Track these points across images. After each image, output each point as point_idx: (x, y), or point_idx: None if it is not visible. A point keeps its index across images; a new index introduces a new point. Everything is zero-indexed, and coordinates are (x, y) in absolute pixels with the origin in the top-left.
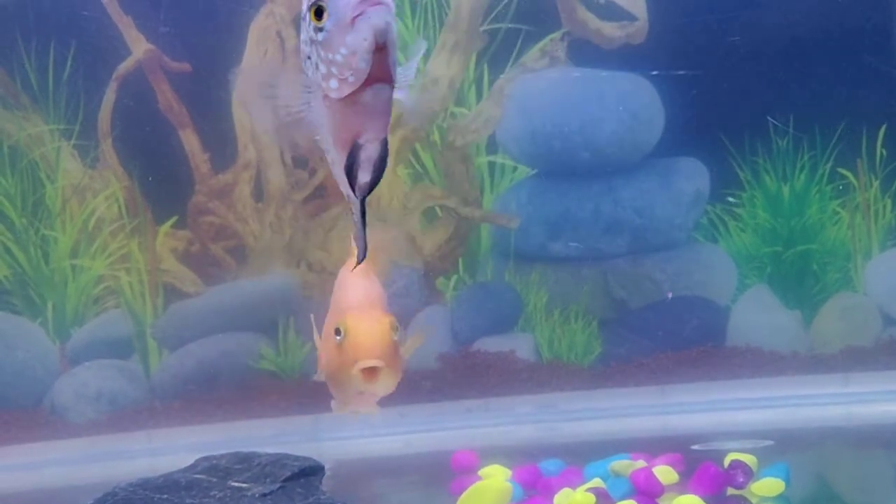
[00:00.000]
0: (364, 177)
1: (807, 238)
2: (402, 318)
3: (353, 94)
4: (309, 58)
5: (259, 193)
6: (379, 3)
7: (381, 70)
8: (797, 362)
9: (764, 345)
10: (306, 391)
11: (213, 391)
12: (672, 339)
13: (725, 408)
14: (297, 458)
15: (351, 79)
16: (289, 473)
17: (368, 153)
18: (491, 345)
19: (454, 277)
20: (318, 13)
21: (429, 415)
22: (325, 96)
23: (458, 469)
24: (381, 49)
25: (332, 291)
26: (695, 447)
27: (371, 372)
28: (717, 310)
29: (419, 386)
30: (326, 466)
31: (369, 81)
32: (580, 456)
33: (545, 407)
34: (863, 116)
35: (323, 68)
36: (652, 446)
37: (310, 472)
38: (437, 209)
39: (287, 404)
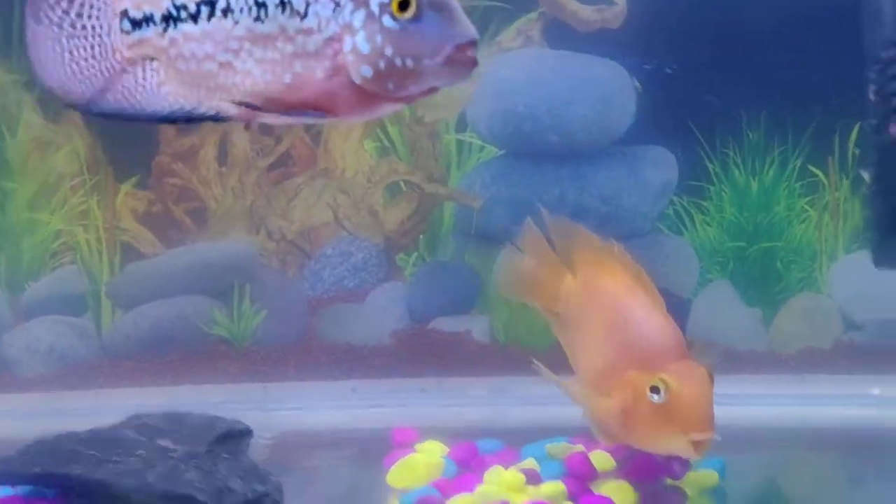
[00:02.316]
0: None
1: (772, 235)
2: (360, 293)
3: (375, 95)
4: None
5: (223, 157)
6: (474, 64)
7: (420, 97)
8: (754, 361)
9: (722, 341)
10: (257, 359)
11: (165, 354)
12: None
13: None
14: (226, 421)
15: (391, 87)
16: (216, 436)
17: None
18: (447, 325)
19: (414, 254)
20: (403, 5)
21: (381, 392)
22: (333, 69)
23: (397, 444)
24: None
25: (599, 315)
26: None
27: (702, 443)
28: (678, 303)
29: (372, 362)
30: (269, 436)
31: (403, 100)
32: (528, 439)
33: (498, 390)
34: (837, 114)
35: (363, 47)
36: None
37: (237, 435)
38: (402, 184)
39: (237, 371)
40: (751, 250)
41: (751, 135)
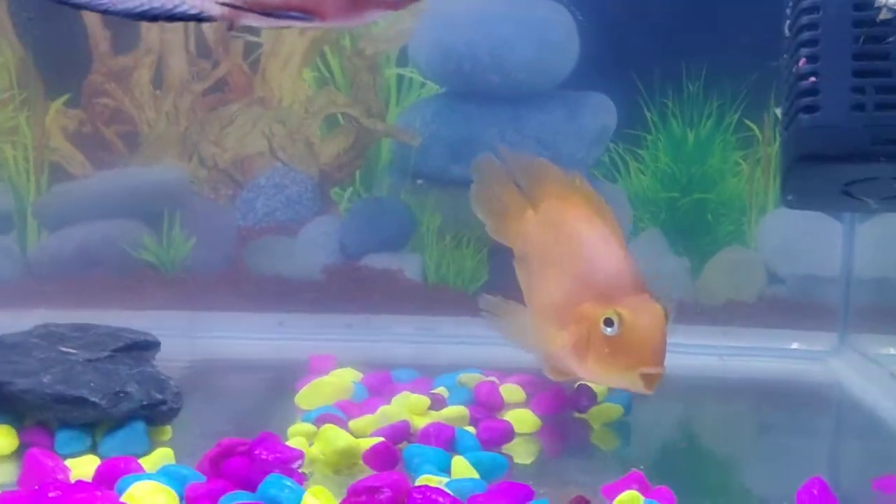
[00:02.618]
0: None
1: (705, 187)
2: (292, 225)
3: None
4: None
5: (159, 80)
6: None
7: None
8: (680, 311)
9: (650, 290)
10: (185, 287)
11: (91, 277)
12: None
13: None
14: (134, 332)
15: None
16: (121, 345)
17: None
18: (379, 262)
19: (349, 189)
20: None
21: (308, 325)
22: None
23: (312, 370)
24: None
25: (557, 249)
26: None
27: (651, 377)
28: None
29: (301, 296)
30: (188, 360)
31: (391, 5)
32: (451, 371)
33: (425, 329)
34: (773, 72)
35: None
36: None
37: (144, 346)
38: (340, 117)
39: (164, 298)
40: (683, 201)
41: (690, 86)
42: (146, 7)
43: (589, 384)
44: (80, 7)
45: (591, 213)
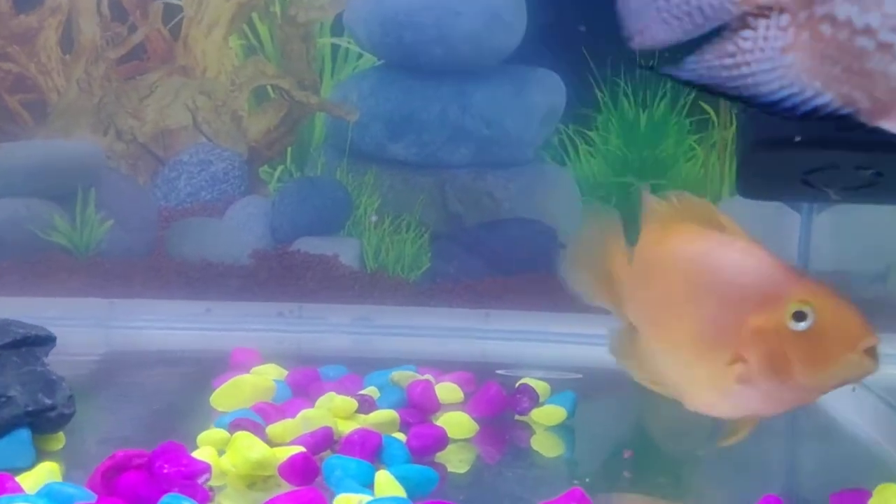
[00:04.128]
0: None
1: (658, 172)
2: (218, 206)
3: None
4: None
5: (68, 44)
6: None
7: None
8: None
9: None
10: (101, 272)
11: None
12: (504, 262)
13: (548, 339)
14: (25, 325)
15: None
16: (8, 340)
17: None
18: (312, 246)
19: (280, 168)
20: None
21: (236, 314)
22: None
23: (233, 365)
24: None
25: (678, 276)
26: (500, 372)
27: (873, 350)
28: (555, 237)
29: (228, 282)
30: (101, 352)
31: None
32: (384, 368)
33: (362, 319)
34: None
35: None
36: (457, 368)
37: (35, 341)
38: (269, 89)
39: (79, 284)
40: (635, 187)
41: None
42: (783, 94)
43: (531, 383)
44: (702, 88)
45: (701, 226)
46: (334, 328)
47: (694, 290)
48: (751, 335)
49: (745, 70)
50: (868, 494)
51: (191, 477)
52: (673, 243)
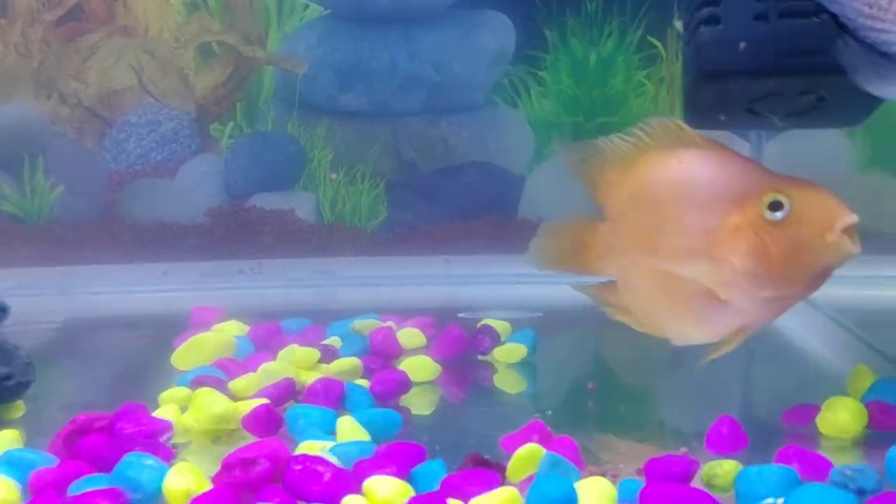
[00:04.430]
0: None
1: (609, 110)
2: (170, 166)
3: None
4: None
5: (3, 8)
6: None
7: None
8: None
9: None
10: (54, 239)
11: None
12: (462, 207)
13: (508, 281)
14: None
15: None
16: None
17: None
18: (268, 201)
19: (230, 124)
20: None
21: (195, 274)
22: None
23: (194, 324)
24: None
25: (656, 194)
26: (461, 315)
27: (851, 230)
28: (511, 179)
29: (185, 243)
30: (59, 319)
31: None
32: (347, 318)
33: (323, 272)
34: None
35: None
36: (419, 313)
37: None
38: (215, 45)
39: (30, 253)
40: (587, 125)
41: (589, 4)
42: None
43: (492, 324)
44: None
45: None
46: (295, 282)
47: (672, 208)
48: (730, 234)
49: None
50: (817, 409)
51: (152, 436)
52: (641, 173)
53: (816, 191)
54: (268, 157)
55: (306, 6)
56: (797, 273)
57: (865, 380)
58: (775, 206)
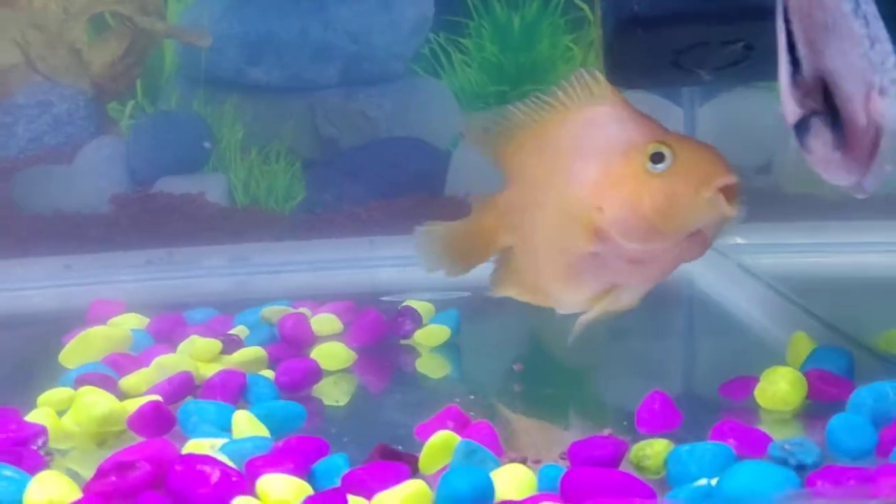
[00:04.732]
0: None
1: (535, 76)
2: (66, 151)
3: None
4: None
5: None
6: None
7: None
8: None
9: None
10: None
11: None
12: (385, 185)
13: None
14: None
15: None
16: None
17: None
18: (176, 185)
19: (131, 103)
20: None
21: (100, 267)
22: None
23: (90, 319)
24: None
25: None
26: (384, 298)
27: (731, 190)
28: (437, 154)
29: (88, 233)
30: None
31: None
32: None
33: (238, 259)
34: None
35: None
36: (341, 298)
37: None
38: (109, 17)
39: None
40: (513, 94)
41: None
42: None
43: (414, 305)
44: None
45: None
46: (208, 272)
47: (561, 161)
48: (610, 182)
49: None
50: (755, 380)
51: (23, 443)
52: (537, 133)
53: (701, 148)
54: (173, 138)
55: None
56: (668, 227)
57: (805, 347)
58: (657, 157)
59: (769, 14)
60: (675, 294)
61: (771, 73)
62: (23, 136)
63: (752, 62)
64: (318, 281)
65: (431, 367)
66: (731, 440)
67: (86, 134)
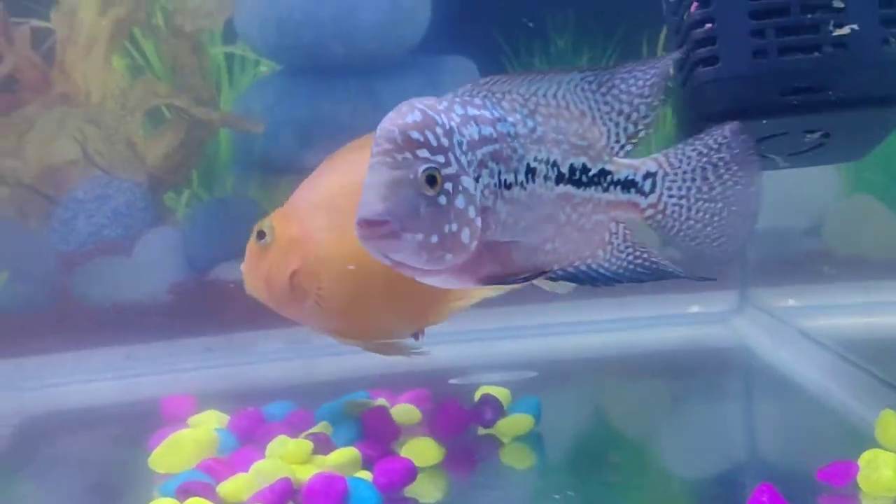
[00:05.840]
0: None
1: None
2: (125, 242)
3: None
4: None
5: None
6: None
7: None
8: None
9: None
10: (3, 331)
11: None
12: None
13: (485, 337)
14: None
15: None
16: None
17: None
18: (232, 272)
19: (186, 192)
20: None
21: (160, 356)
22: None
23: (167, 418)
24: None
25: None
26: (452, 381)
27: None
28: None
29: (147, 323)
30: (15, 421)
31: None
32: (330, 397)
33: (298, 342)
34: (644, 18)
35: None
36: (407, 381)
37: None
38: (164, 109)
39: None
40: None
41: (558, 41)
42: None
43: (491, 392)
44: None
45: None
46: (268, 356)
47: None
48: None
49: None
50: (853, 465)
51: None
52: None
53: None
54: (228, 225)
55: (257, 62)
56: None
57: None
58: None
59: (845, 105)
60: (731, 361)
61: (843, 157)
62: (83, 230)
63: (826, 148)
64: (375, 359)
65: (517, 457)
66: None
67: (143, 225)
